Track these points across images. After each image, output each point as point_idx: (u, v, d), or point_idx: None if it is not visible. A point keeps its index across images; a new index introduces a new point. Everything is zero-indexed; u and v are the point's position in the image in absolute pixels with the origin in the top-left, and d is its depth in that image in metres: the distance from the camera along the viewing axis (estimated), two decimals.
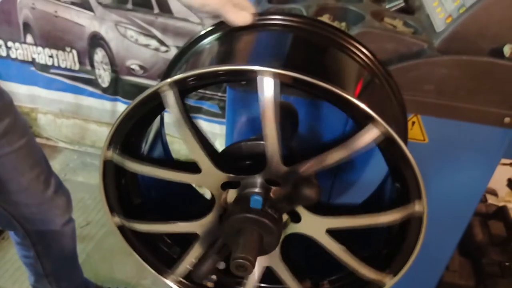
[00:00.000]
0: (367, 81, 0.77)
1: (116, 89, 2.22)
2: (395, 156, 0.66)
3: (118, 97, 2.25)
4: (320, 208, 0.75)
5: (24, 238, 1.35)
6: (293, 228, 0.76)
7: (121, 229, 0.81)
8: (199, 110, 2.17)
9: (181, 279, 0.87)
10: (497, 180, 1.18)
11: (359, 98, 0.61)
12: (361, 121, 0.64)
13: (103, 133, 2.44)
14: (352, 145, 0.65)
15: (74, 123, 2.45)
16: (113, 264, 1.89)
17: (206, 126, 2.21)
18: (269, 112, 0.63)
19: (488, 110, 0.94)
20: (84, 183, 2.30)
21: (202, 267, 0.76)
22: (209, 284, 0.84)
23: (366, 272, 0.80)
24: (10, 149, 1.15)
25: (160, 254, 0.88)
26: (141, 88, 2.12)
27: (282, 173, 0.69)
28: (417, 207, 0.72)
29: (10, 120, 1.13)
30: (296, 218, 0.75)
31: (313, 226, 0.75)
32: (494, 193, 1.77)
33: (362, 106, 0.60)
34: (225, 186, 0.73)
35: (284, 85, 0.62)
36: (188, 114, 0.67)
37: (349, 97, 0.60)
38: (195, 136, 0.67)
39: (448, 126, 0.99)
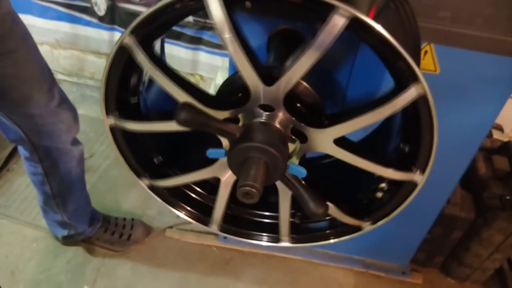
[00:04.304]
0: (383, 5, 0.73)
1: (113, 17, 2.14)
2: (422, 120, 0.64)
3: (115, 26, 2.17)
4: (321, 122, 0.73)
5: (31, 153, 1.35)
6: (304, 149, 0.75)
7: (112, 130, 0.81)
8: (199, 41, 2.09)
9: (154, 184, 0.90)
10: (505, 115, 1.15)
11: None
12: (403, 79, 0.61)
13: (102, 64, 2.37)
14: (393, 105, 0.64)
15: (71, 54, 2.38)
16: (118, 195, 1.92)
17: (207, 58, 2.15)
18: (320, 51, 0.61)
19: (504, 39, 0.90)
20: (85, 115, 2.27)
21: None
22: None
23: (347, 219, 0.82)
24: (7, 55, 1.10)
25: (143, 160, 0.90)
26: None
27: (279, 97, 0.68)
28: (416, 177, 0.71)
29: (6, 25, 1.08)
30: (304, 139, 0.74)
31: (320, 140, 0.73)
32: (500, 128, 1.76)
33: (415, 67, 0.58)
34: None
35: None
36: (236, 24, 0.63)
37: (407, 57, 0.57)
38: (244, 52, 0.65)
39: (461, 56, 0.95)
